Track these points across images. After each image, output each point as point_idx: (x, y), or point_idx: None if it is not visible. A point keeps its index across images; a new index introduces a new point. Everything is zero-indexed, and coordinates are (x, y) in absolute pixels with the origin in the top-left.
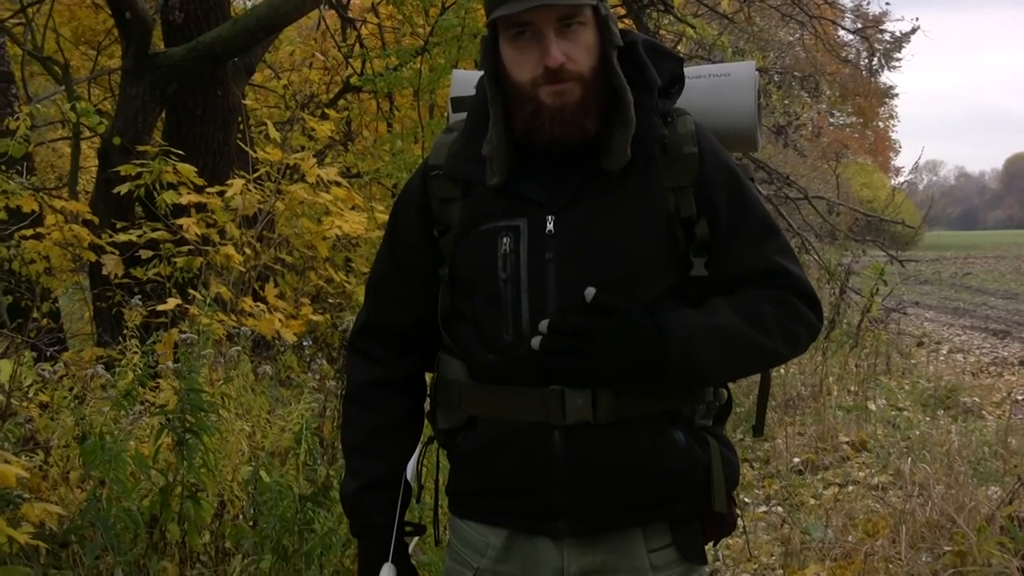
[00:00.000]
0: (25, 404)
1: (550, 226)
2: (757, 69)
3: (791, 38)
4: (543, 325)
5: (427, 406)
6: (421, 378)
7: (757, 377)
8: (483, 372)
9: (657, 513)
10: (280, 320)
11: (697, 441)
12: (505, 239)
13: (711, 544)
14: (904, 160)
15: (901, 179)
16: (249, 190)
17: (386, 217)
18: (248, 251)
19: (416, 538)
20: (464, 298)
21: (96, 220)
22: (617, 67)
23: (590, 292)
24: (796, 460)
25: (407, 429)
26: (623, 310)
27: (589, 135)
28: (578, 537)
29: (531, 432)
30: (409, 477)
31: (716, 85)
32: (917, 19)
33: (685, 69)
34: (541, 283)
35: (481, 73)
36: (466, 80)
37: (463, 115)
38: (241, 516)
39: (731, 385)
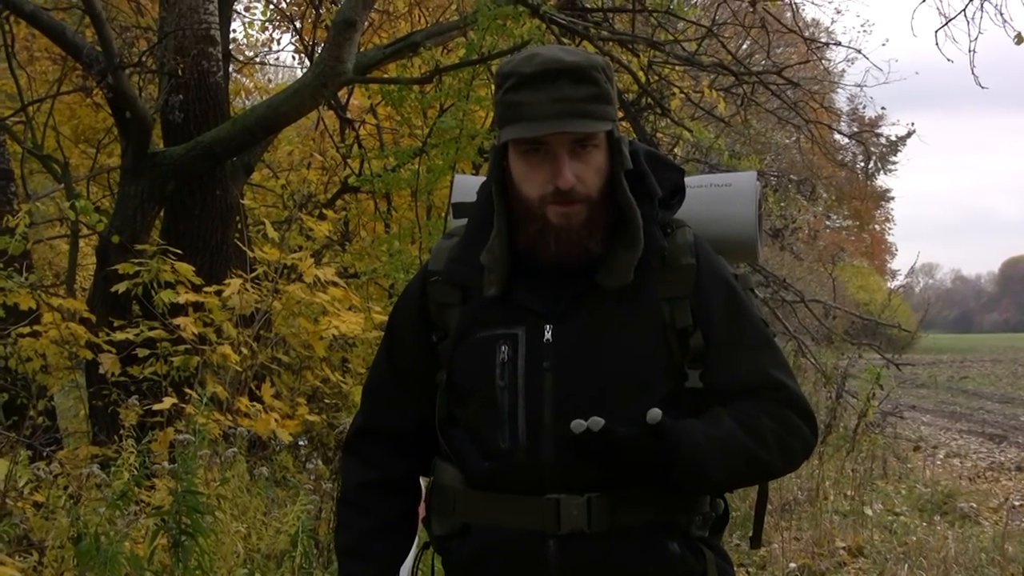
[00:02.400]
0: (20, 503)
1: (548, 335)
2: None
3: (787, 141)
4: (593, 422)
5: (423, 511)
6: (416, 481)
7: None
8: (478, 479)
9: None
10: (276, 420)
11: (693, 552)
12: (503, 347)
13: None
14: (900, 262)
15: (897, 282)
16: (247, 289)
17: (383, 317)
18: (245, 350)
19: None
20: (460, 404)
21: (93, 318)
22: (626, 188)
23: (655, 415)
24: (792, 565)
25: (400, 532)
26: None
27: (592, 256)
28: None
29: (525, 540)
30: None
31: (717, 195)
32: (912, 123)
33: (686, 179)
34: (538, 391)
35: (483, 179)
36: (467, 186)
37: (464, 221)
38: None
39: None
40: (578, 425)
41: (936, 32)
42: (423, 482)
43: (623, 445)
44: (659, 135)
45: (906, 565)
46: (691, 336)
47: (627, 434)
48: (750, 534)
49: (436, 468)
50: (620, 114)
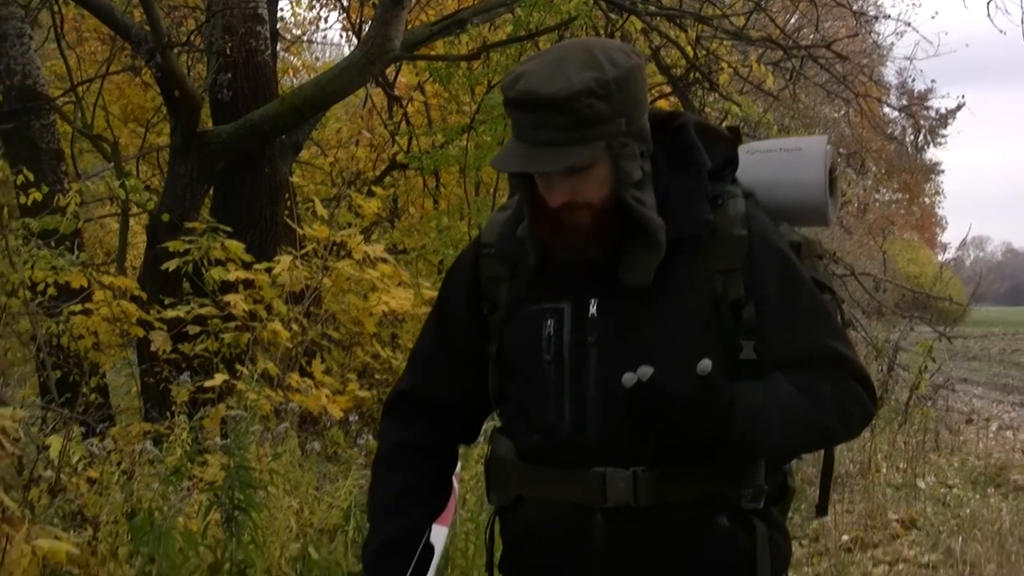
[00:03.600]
0: (74, 480)
1: (593, 309)
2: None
3: (836, 115)
4: (642, 372)
5: (456, 481)
6: (454, 448)
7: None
8: (528, 452)
9: None
10: (327, 396)
11: (743, 526)
12: (549, 321)
13: None
14: (951, 236)
15: (948, 255)
16: (296, 266)
17: (432, 293)
18: (295, 327)
19: None
20: (510, 378)
21: (144, 296)
22: (633, 200)
23: (705, 365)
24: (845, 538)
25: (434, 496)
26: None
27: (605, 257)
28: None
29: (573, 513)
30: (434, 541)
31: (786, 160)
32: (962, 96)
33: (755, 143)
34: (583, 366)
35: None
36: None
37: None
38: None
39: None
40: (629, 378)
41: (988, 3)
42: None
43: (674, 397)
44: (707, 110)
45: (960, 537)
46: (744, 308)
47: (677, 385)
48: (815, 503)
49: (493, 440)
50: (668, 89)
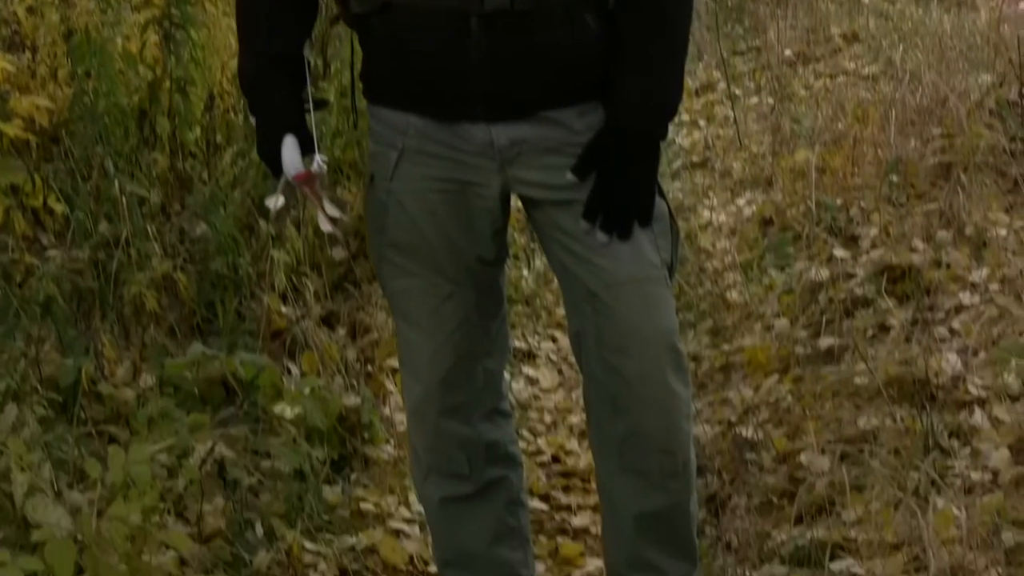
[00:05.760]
0: (10, 6)
1: None
2: None
3: None
4: None
5: None
6: None
7: None
8: None
9: (581, 95)
10: None
11: (607, 26)
12: None
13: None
14: None
15: None
16: None
17: None
18: None
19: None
20: None
21: None
22: None
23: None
24: (788, 52)
25: (305, 9)
26: None
27: None
28: (500, 121)
29: (447, 19)
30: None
31: None
32: None
33: None
34: None
35: None
36: None
37: None
38: (231, 110)
39: None
40: None
41: None
42: None
43: None
44: None
45: (901, 48)
46: None
47: None
48: (755, 22)
49: None
50: None
